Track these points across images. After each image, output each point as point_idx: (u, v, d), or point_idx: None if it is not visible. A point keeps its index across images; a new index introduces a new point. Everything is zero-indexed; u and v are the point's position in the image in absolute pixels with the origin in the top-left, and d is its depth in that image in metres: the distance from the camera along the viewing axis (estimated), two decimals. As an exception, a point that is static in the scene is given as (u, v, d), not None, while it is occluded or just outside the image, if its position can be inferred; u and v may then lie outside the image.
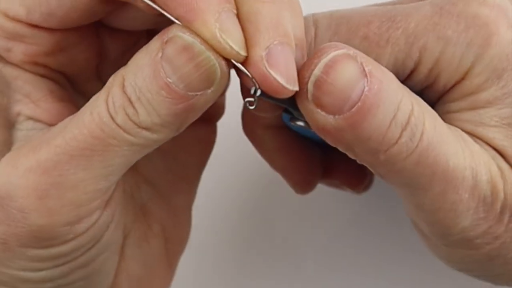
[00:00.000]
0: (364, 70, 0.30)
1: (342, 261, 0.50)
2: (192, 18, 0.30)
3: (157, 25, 0.35)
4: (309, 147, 0.40)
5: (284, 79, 0.30)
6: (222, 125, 0.41)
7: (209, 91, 0.30)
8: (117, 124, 0.31)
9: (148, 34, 0.37)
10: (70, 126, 0.31)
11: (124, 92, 0.31)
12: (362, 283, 0.50)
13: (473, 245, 0.33)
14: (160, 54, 0.30)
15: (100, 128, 0.31)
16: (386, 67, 0.33)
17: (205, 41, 0.30)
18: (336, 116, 0.30)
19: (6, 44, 0.34)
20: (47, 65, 0.34)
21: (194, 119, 0.32)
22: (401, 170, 0.31)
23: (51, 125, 0.34)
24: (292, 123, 0.34)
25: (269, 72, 0.30)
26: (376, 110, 0.30)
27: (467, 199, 0.32)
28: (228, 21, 0.30)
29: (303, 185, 0.41)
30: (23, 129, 0.34)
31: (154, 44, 0.30)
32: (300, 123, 0.34)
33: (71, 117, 0.32)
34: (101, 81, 0.37)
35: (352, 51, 0.31)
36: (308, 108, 0.31)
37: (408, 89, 0.32)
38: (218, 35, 0.29)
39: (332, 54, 0.30)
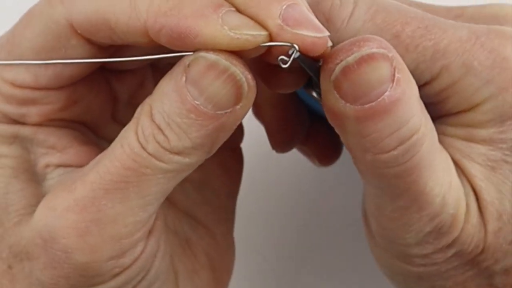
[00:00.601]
0: (394, 75, 0.30)
1: (342, 261, 0.50)
2: (198, 35, 0.30)
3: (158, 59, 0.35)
4: (300, 110, 0.41)
5: (312, 31, 0.30)
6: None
7: (238, 107, 0.30)
8: (149, 153, 0.31)
9: (153, 70, 0.37)
10: (103, 161, 0.31)
11: (153, 120, 0.31)
12: (362, 283, 0.50)
13: (410, 261, 0.34)
14: (184, 78, 0.30)
15: (132, 158, 0.31)
16: None
17: (229, 55, 0.30)
18: (348, 104, 0.30)
19: (19, 110, 0.34)
20: (64, 118, 0.35)
21: (225, 139, 0.32)
22: (379, 175, 0.32)
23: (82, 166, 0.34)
24: (306, 91, 0.34)
25: (296, 33, 0.30)
26: (385, 116, 0.30)
27: (424, 222, 0.33)
28: (231, 17, 0.30)
29: (282, 145, 0.41)
30: (54, 177, 0.34)
31: (177, 69, 0.31)
32: (314, 94, 0.34)
33: (103, 153, 0.32)
34: (118, 124, 0.37)
35: (391, 53, 0.31)
36: (327, 86, 0.31)
37: (423, 107, 0.32)
38: (232, 34, 0.30)
39: (373, 50, 0.30)
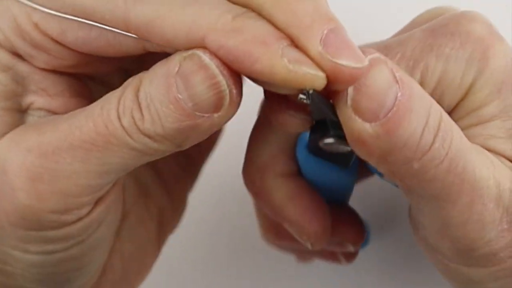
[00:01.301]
0: (395, 76, 0.30)
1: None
2: (253, 64, 0.29)
3: None
4: (318, 195, 0.39)
5: (352, 60, 0.29)
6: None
7: (216, 115, 0.30)
8: (122, 125, 0.31)
9: None
10: (79, 116, 0.31)
11: (137, 96, 0.31)
12: (362, 282, 0.50)
13: (496, 260, 0.33)
14: (176, 69, 0.30)
15: (105, 124, 0.31)
16: None
17: (222, 64, 0.30)
18: (373, 124, 0.30)
19: (30, 51, 0.33)
20: (68, 72, 0.34)
21: (197, 141, 0.31)
22: (432, 179, 0.31)
23: None
24: (320, 143, 0.33)
25: (336, 63, 0.29)
26: (410, 115, 0.30)
27: (492, 209, 0.32)
28: (292, 51, 0.29)
29: (317, 236, 0.38)
30: (35, 115, 0.34)
31: (175, 57, 0.30)
32: (330, 140, 0.33)
33: (82, 108, 0.32)
34: (122, 70, 0.37)
35: (383, 56, 0.30)
36: (346, 114, 0.30)
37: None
38: (290, 67, 0.29)
39: (369, 57, 0.30)
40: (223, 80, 0.30)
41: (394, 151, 0.30)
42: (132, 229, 0.38)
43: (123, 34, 0.31)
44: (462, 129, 0.33)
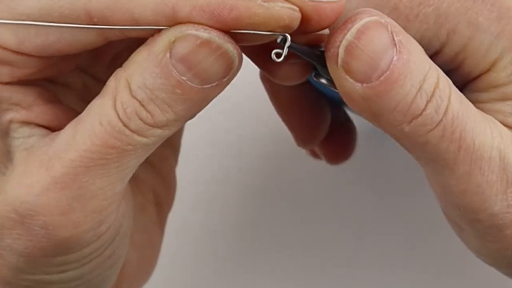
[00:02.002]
0: (394, 39, 0.30)
1: (342, 261, 0.51)
2: (231, 8, 0.29)
3: None
4: (321, 105, 0.40)
5: None
6: (227, 122, 0.42)
7: (225, 79, 0.30)
8: (131, 130, 0.30)
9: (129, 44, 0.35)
10: (81, 138, 0.31)
11: (134, 96, 0.30)
12: (362, 282, 0.51)
13: (503, 236, 0.33)
14: (168, 54, 0.30)
15: (113, 137, 0.30)
16: None
17: (220, 32, 0.29)
18: (364, 85, 0.30)
19: None
20: (34, 79, 0.33)
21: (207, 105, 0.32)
22: (425, 143, 0.31)
23: (49, 127, 0.33)
24: (316, 79, 0.34)
25: (315, 4, 0.30)
26: (403, 80, 0.30)
27: (494, 181, 0.32)
28: None
29: (306, 141, 0.41)
30: (20, 136, 0.33)
31: (157, 44, 0.30)
32: (323, 81, 0.33)
33: (74, 124, 0.31)
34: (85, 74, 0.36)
35: (384, 19, 0.30)
36: (337, 73, 0.31)
37: (432, 63, 0.32)
38: (267, 5, 0.29)
39: (365, 20, 0.30)
40: (229, 47, 0.30)
41: (385, 113, 0.31)
42: (137, 218, 0.38)
43: (83, 27, 0.30)
44: (484, 101, 0.33)
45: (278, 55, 0.30)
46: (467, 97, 0.33)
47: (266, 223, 0.50)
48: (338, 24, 0.31)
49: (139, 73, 0.30)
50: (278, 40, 0.30)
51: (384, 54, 0.30)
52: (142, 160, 0.32)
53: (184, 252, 0.45)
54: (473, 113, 0.32)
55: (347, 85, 0.30)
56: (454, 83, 0.33)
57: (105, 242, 0.33)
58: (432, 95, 0.30)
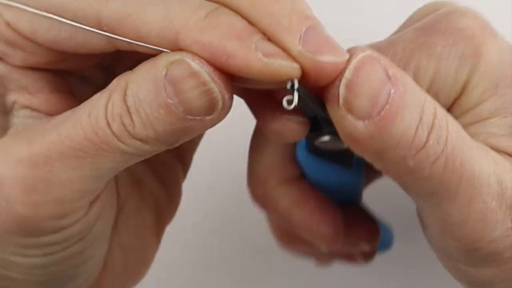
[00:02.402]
0: (387, 73, 0.30)
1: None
2: (229, 60, 0.29)
3: None
4: (326, 197, 0.39)
5: (333, 55, 0.29)
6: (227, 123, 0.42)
7: (208, 118, 0.30)
8: (112, 131, 0.31)
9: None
10: (67, 124, 0.31)
11: (125, 101, 0.30)
12: (362, 282, 0.51)
13: (502, 260, 0.33)
14: (164, 72, 0.30)
15: (95, 132, 0.31)
16: None
17: (212, 69, 0.29)
18: (366, 122, 0.30)
19: (4, 49, 0.33)
20: (45, 68, 0.34)
21: (190, 138, 0.31)
22: (428, 176, 0.31)
23: (50, 114, 0.34)
24: (317, 142, 0.33)
25: (315, 59, 0.29)
26: (403, 112, 0.30)
27: (494, 207, 0.32)
28: (265, 44, 0.29)
29: (329, 238, 0.39)
30: (20, 116, 0.34)
31: (161, 60, 0.30)
32: (325, 139, 0.33)
33: (69, 112, 0.32)
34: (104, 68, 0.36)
35: (375, 53, 0.30)
36: (338, 113, 0.30)
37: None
38: (265, 60, 0.29)
39: (360, 55, 0.30)
40: (214, 87, 0.29)
41: (388, 149, 0.30)
42: (129, 220, 0.38)
43: (94, 31, 0.31)
44: (463, 127, 0.32)
45: (290, 102, 0.30)
46: None
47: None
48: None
49: (137, 81, 0.30)
50: (288, 87, 0.30)
51: (382, 88, 0.30)
52: (120, 167, 0.32)
53: (183, 253, 0.45)
54: (469, 140, 0.32)
55: (349, 125, 0.30)
56: None
57: (70, 237, 0.33)
58: (433, 126, 0.30)
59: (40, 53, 0.33)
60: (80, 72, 0.36)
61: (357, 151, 0.31)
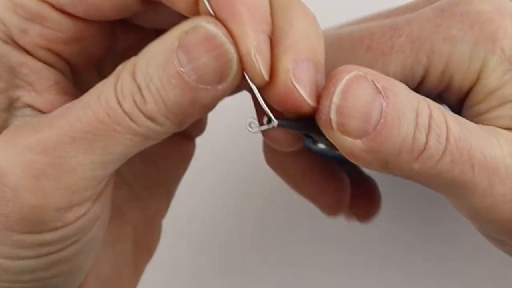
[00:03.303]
0: (377, 87, 0.30)
1: (342, 261, 0.50)
2: (234, 22, 0.30)
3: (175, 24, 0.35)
4: (334, 168, 0.40)
5: (307, 93, 0.30)
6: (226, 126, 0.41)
7: (220, 86, 0.30)
8: (124, 110, 0.30)
9: (157, 33, 0.36)
10: (75, 108, 0.31)
11: (134, 79, 0.30)
12: (361, 283, 0.50)
13: None
14: (176, 43, 0.30)
15: (106, 112, 0.30)
16: (393, 75, 0.33)
17: (230, 34, 0.30)
18: (364, 139, 0.30)
19: (24, 25, 0.32)
20: (60, 53, 0.33)
21: (198, 117, 0.31)
22: (438, 174, 0.31)
23: None
24: (315, 146, 0.34)
25: (293, 84, 0.30)
26: (398, 122, 0.30)
27: None
28: (263, 42, 0.30)
29: (333, 207, 0.40)
30: (19, 115, 0.33)
31: (173, 33, 0.30)
32: (322, 146, 0.33)
33: (73, 101, 0.31)
34: (99, 73, 0.36)
35: (361, 71, 0.30)
36: (334, 136, 0.31)
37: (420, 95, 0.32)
38: (252, 53, 0.30)
39: (346, 78, 0.30)
40: (231, 48, 0.30)
41: (391, 158, 0.31)
42: (107, 248, 0.38)
43: None
44: (483, 112, 0.33)
45: (252, 125, 0.31)
46: (467, 115, 0.33)
47: (266, 224, 0.50)
48: (322, 91, 0.31)
49: (145, 59, 0.30)
50: (265, 122, 0.31)
51: (373, 104, 0.30)
52: (130, 152, 0.31)
53: (182, 254, 0.44)
54: (474, 129, 0.32)
55: (348, 145, 0.30)
56: (451, 105, 0.34)
57: (68, 237, 0.32)
58: (429, 127, 0.30)
59: (61, 26, 0.32)
60: (90, 67, 0.36)
61: (360, 164, 0.32)
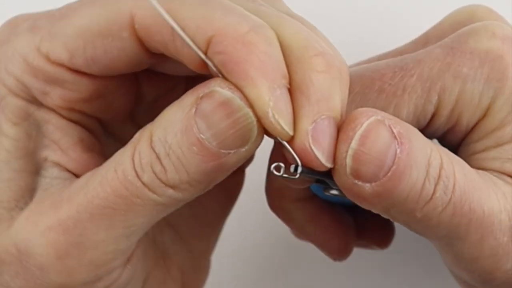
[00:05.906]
0: (393, 132, 0.30)
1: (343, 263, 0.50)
2: (246, 86, 0.29)
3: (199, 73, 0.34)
4: (339, 212, 0.39)
5: (325, 157, 0.29)
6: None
7: (243, 149, 0.29)
8: (143, 183, 0.30)
9: (187, 79, 0.36)
10: (92, 183, 0.30)
11: (152, 148, 0.30)
12: (362, 283, 0.50)
13: None
14: (193, 110, 0.29)
15: (124, 186, 0.30)
16: (406, 115, 0.33)
17: (245, 97, 0.29)
18: (373, 184, 0.30)
19: (44, 87, 0.32)
20: (83, 111, 0.33)
21: (222, 179, 0.31)
22: (438, 224, 0.31)
23: (77, 174, 0.33)
24: (326, 193, 0.34)
25: (311, 148, 0.29)
26: (410, 170, 0.30)
27: (506, 242, 0.32)
28: (282, 99, 0.29)
29: (339, 252, 0.39)
30: (48, 176, 0.33)
31: (188, 99, 0.29)
32: (334, 192, 0.33)
33: (93, 171, 0.31)
34: (135, 123, 0.36)
35: (380, 115, 0.30)
36: (345, 180, 0.30)
37: (432, 142, 0.32)
38: (270, 114, 0.29)
39: (366, 123, 0.30)
40: (249, 112, 0.29)
41: (396, 205, 0.30)
42: None
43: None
44: (480, 151, 0.33)
45: (278, 169, 0.30)
46: (464, 152, 0.33)
47: (266, 224, 0.50)
48: (340, 136, 0.30)
49: (163, 126, 0.30)
50: (292, 170, 0.30)
51: (388, 150, 0.29)
52: (152, 221, 0.31)
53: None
54: (476, 181, 0.32)
55: (356, 188, 0.30)
56: (453, 142, 0.34)
57: None
58: (439, 177, 0.30)
59: (79, 86, 0.32)
60: (113, 124, 0.35)
61: (364, 206, 0.31)
